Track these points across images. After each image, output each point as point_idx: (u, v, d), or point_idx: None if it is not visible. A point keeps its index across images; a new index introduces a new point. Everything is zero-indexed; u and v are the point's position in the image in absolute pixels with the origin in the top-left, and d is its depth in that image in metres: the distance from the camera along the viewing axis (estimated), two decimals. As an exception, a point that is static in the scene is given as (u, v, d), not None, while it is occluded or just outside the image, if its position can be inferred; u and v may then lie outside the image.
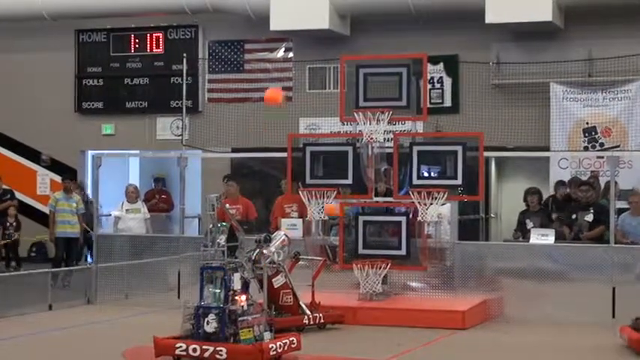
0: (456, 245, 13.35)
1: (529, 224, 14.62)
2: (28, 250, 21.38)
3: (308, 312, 11.42)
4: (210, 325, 9.18)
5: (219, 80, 21.38)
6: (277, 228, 15.05)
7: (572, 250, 13.29)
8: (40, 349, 10.34)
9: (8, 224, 19.39)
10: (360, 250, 13.02)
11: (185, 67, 19.97)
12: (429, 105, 17.86)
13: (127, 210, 17.18)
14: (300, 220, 14.00)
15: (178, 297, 13.97)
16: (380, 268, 12.62)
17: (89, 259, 17.17)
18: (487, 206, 20.70)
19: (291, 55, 21.04)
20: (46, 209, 19.02)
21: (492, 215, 20.95)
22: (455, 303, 12.49)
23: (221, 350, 9.03)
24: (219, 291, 9.31)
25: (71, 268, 16.33)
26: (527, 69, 19.58)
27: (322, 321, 11.52)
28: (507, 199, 20.55)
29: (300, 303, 11.44)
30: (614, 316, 12.29)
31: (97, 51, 22.05)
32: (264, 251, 11.17)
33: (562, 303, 12.56)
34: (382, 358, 9.89)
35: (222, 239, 9.59)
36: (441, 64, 20.00)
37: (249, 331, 9.22)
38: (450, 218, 13.72)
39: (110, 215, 17.77)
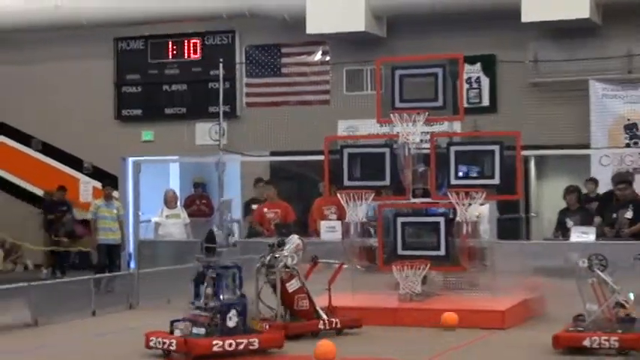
0: (495, 245, 13.30)
1: (569, 223, 14.55)
2: (71, 257, 21.61)
3: (324, 317, 11.21)
4: (232, 320, 9.66)
5: (257, 84, 21.49)
6: (316, 230, 15.15)
7: (614, 248, 13.17)
8: (84, 353, 10.46)
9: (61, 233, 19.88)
10: (399, 251, 13.02)
11: (222, 73, 20.06)
12: (466, 105, 17.84)
13: (166, 216, 17.33)
14: (339, 222, 14.03)
15: (219, 300, 14.05)
16: (419, 268, 12.61)
17: (131, 265, 17.32)
18: (527, 205, 20.61)
19: (328, 58, 21.10)
20: (88, 216, 19.22)
21: (533, 214, 20.84)
22: (495, 303, 12.44)
23: (254, 341, 9.72)
24: (235, 288, 9.89)
25: (114, 274, 16.49)
26: (565, 67, 19.48)
27: (339, 326, 11.28)
28: (548, 197, 20.43)
29: (317, 307, 11.27)
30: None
31: (135, 58, 22.25)
32: (277, 255, 11.20)
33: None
34: (426, 358, 9.90)
35: (234, 239, 9.81)
36: (479, 64, 19.96)
37: (256, 322, 10.31)
38: (489, 218, 13.70)
39: (150, 221, 17.90)
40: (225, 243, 9.98)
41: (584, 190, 16.50)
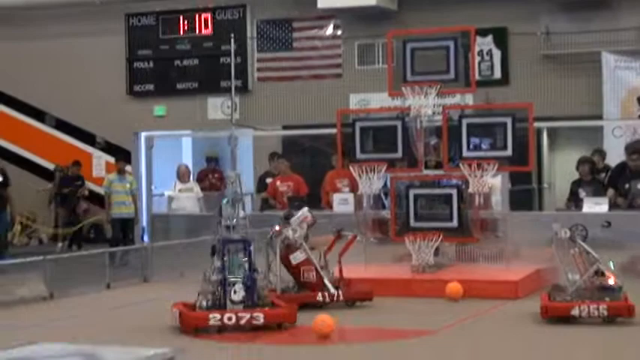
0: (507, 216, 13.34)
1: (581, 193, 14.57)
2: (86, 231, 21.77)
3: (331, 289, 11.18)
4: (238, 294, 9.53)
5: (268, 59, 21.50)
6: (328, 203, 15.21)
7: (626, 218, 13.22)
8: (99, 326, 10.54)
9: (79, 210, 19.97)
10: (412, 223, 13.06)
11: (233, 47, 20.05)
12: (478, 77, 17.84)
13: (179, 190, 17.41)
14: (352, 194, 14.09)
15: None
16: (431, 240, 12.67)
17: (145, 239, 17.43)
18: (540, 177, 20.64)
19: (339, 32, 21.08)
20: (102, 191, 19.34)
21: (545, 185, 20.87)
22: (508, 273, 12.50)
23: (258, 315, 9.46)
24: (243, 262, 9.72)
25: (128, 247, 16.59)
26: (577, 39, 19.45)
27: (341, 299, 11.18)
28: (560, 169, 20.45)
29: (325, 280, 11.24)
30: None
31: (146, 34, 22.28)
32: (276, 228, 11.27)
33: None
34: (436, 329, 9.94)
35: (242, 213, 9.79)
36: (490, 37, 19.93)
37: (267, 296, 9.88)
38: (501, 189, 13.73)
39: (163, 195, 17.99)
40: (232, 217, 9.93)
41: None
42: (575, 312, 9.84)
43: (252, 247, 9.83)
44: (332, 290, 11.14)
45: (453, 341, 9.43)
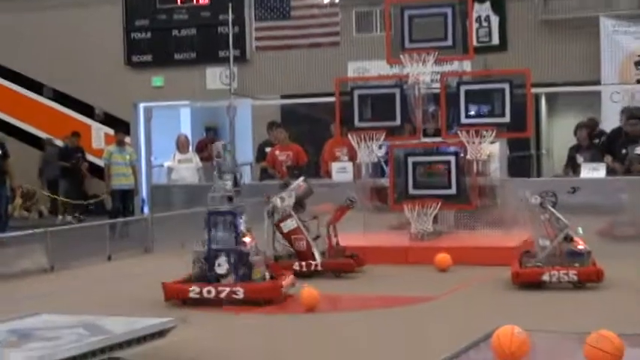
0: (505, 182, 13.38)
1: (579, 159, 14.60)
2: (86, 203, 21.84)
3: (318, 259, 11.27)
4: (222, 267, 9.39)
5: (266, 28, 21.46)
6: (328, 172, 15.25)
7: (624, 184, 13.26)
8: (100, 297, 10.60)
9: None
10: (411, 191, 13.09)
11: (231, 17, 20.03)
12: (476, 44, 17.79)
13: (179, 160, 17.41)
14: (350, 163, 14.11)
15: (233, 243, 14.19)
16: (430, 207, 12.72)
17: (145, 210, 17.49)
18: (538, 143, 20.67)
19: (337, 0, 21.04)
20: (101, 162, 19.37)
21: (544, 152, 20.91)
22: (506, 240, 12.54)
23: (238, 290, 9.28)
24: (228, 234, 9.52)
25: (128, 219, 16.64)
26: (575, 4, 19.43)
27: (318, 268, 11.24)
28: (559, 135, 20.50)
29: (313, 249, 11.32)
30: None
31: (144, 4, 22.25)
32: (267, 196, 11.39)
33: (629, 236, 12.61)
34: (434, 295, 10.00)
35: (228, 185, 9.73)
36: (488, 3, 19.92)
37: (258, 271, 9.51)
38: (500, 156, 13.76)
39: (162, 166, 18.01)
40: (221, 188, 9.83)
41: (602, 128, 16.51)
42: (545, 277, 9.94)
43: (240, 219, 9.59)
44: (316, 260, 11.24)
45: (448, 308, 9.49)
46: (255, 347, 7.82)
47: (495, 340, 5.85)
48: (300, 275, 11.01)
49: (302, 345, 7.94)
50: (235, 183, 9.80)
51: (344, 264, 11.32)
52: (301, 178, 11.77)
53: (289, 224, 11.38)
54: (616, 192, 13.24)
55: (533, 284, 9.99)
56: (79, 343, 6.61)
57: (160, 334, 7.16)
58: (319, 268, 11.24)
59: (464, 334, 6.35)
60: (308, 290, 9.17)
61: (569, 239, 10.18)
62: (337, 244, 11.60)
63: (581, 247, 10.17)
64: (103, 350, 6.56)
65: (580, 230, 10.28)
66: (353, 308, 9.92)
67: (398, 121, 13.07)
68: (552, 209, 10.22)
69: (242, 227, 9.56)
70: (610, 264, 10.20)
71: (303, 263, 11.23)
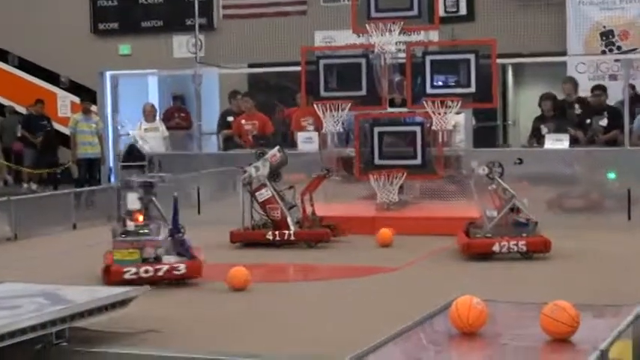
0: (471, 153, 13.43)
1: (543, 130, 14.68)
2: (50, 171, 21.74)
3: (292, 228, 11.35)
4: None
5: (234, -4, 21.35)
6: (293, 141, 15.25)
7: (587, 155, 13.37)
8: (64, 266, 10.59)
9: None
10: (376, 161, 13.13)
11: (198, -16, 19.91)
12: (443, 14, 17.84)
13: (145, 129, 17.35)
14: (316, 133, 14.11)
15: (199, 213, 14.21)
16: (396, 177, 12.77)
17: (112, 179, 17.44)
18: (505, 113, 20.76)
19: (305, -33, 20.94)
20: (67, 131, 19.26)
21: (510, 122, 21.00)
22: (470, 210, 12.59)
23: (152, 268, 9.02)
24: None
25: (93, 187, 16.58)
26: (542, -25, 19.43)
27: (291, 238, 11.32)
28: (525, 105, 20.58)
29: (287, 219, 11.40)
30: (629, 218, 12.43)
31: (110, -30, 22.04)
32: (242, 166, 11.44)
33: (577, 208, 12.73)
34: (395, 267, 10.07)
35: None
36: (456, -27, 19.89)
37: (132, 252, 9.08)
38: (465, 126, 13.82)
39: (129, 135, 17.94)
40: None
41: (561, 96, 16.50)
42: (495, 248, 10.06)
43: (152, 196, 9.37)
44: (290, 230, 11.27)
45: (409, 279, 9.57)
46: (213, 317, 7.84)
47: (454, 311, 5.89)
48: (274, 244, 11.09)
49: (259, 315, 7.98)
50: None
51: (317, 234, 11.38)
52: (276, 148, 11.80)
53: (264, 194, 11.46)
54: (573, 163, 13.37)
55: (483, 255, 10.10)
56: (39, 312, 6.61)
57: (122, 303, 7.16)
58: (292, 238, 11.30)
59: (423, 304, 6.39)
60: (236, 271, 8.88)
61: (515, 210, 10.27)
62: (313, 213, 11.67)
63: (527, 217, 10.28)
64: (63, 320, 6.56)
65: (525, 201, 10.37)
66: (314, 278, 10.01)
67: (364, 91, 13.08)
68: (499, 180, 10.33)
69: (132, 204, 9.31)
70: (556, 235, 10.32)
71: (277, 233, 11.29)
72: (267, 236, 11.32)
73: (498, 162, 10.50)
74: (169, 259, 9.09)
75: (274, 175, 11.61)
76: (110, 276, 8.95)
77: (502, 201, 10.33)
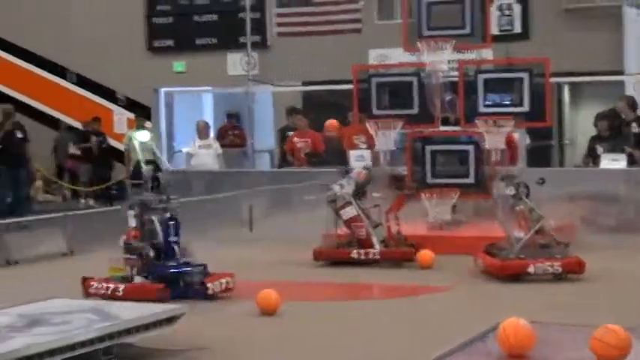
0: (524, 172, 13.29)
1: (599, 150, 14.50)
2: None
3: (377, 247, 11.37)
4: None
5: (288, 14, 21.37)
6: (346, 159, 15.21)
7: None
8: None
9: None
10: (429, 180, 13.04)
11: (250, 2, 19.96)
12: (498, 32, 17.77)
13: (199, 146, 17.45)
14: (369, 151, 14.06)
15: (250, 230, 14.24)
16: (448, 197, 12.68)
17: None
18: (561, 133, 20.57)
19: (359, -15, 20.95)
20: (122, 147, 19.44)
21: (567, 141, 20.79)
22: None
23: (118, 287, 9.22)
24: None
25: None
26: (598, -8, 19.27)
27: (376, 257, 11.35)
28: (583, 125, 20.35)
29: (372, 237, 11.43)
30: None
31: (165, -11, 22.26)
32: (327, 183, 11.44)
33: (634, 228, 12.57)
34: (446, 285, 10.01)
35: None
36: (510, -10, 19.79)
37: (122, 268, 9.32)
38: (519, 145, 13.70)
39: (181, 152, 18.08)
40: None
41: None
42: (531, 269, 9.98)
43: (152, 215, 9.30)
44: (375, 248, 11.28)
45: (460, 298, 9.50)
46: (260, 336, 7.83)
47: (501, 333, 5.83)
48: (359, 263, 11.11)
49: (310, 334, 7.95)
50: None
51: (402, 253, 11.36)
52: (362, 165, 11.81)
53: (349, 212, 11.51)
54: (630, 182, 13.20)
55: (516, 276, 9.98)
56: (88, 329, 6.65)
57: (169, 320, 7.18)
58: (377, 257, 11.32)
59: (468, 326, 6.34)
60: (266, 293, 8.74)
61: (542, 231, 10.18)
62: (399, 232, 11.65)
63: (557, 239, 10.25)
64: (111, 336, 6.60)
65: (552, 223, 10.31)
66: (366, 297, 9.96)
67: (416, 110, 13.00)
68: (527, 200, 10.20)
69: (130, 222, 9.35)
70: (588, 256, 10.24)
71: (362, 251, 11.31)
72: (352, 255, 11.36)
73: (524, 182, 10.42)
74: (137, 280, 9.17)
75: (359, 193, 11.63)
76: (83, 288, 9.31)
77: (528, 222, 10.20)
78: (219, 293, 9.20)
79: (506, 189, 10.30)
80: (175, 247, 9.26)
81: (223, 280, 9.24)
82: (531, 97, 12.67)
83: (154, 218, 9.28)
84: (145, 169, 9.35)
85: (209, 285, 9.09)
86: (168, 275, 9.18)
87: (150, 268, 9.21)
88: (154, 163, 9.36)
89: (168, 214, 9.36)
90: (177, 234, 9.30)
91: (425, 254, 11.26)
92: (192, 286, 9.16)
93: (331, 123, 16.56)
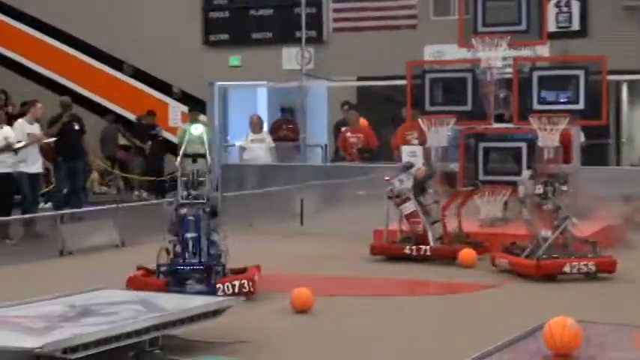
0: (579, 170, 13.18)
1: (656, 148, 14.33)
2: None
3: (431, 243, 11.39)
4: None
5: (344, 9, 21.36)
6: (399, 155, 15.18)
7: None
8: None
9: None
10: (481, 177, 12.97)
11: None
12: (555, 29, 17.59)
13: (251, 140, 17.50)
14: (420, 147, 14.00)
15: (301, 224, 14.27)
16: (500, 194, 12.59)
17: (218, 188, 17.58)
18: (618, 131, 20.31)
19: (415, -19, 20.86)
20: (177, 140, 19.53)
21: (624, 140, 20.52)
22: (577, 229, 12.33)
23: None
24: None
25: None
26: (659, -11, 18.98)
27: (427, 253, 11.33)
28: (641, 123, 20.13)
29: (428, 234, 11.44)
30: None
31: (231, -18, 22.34)
32: (387, 178, 11.49)
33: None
34: (494, 283, 9.95)
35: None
36: (569, -13, 19.56)
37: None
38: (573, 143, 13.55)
39: (234, 145, 18.13)
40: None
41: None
42: (566, 269, 9.99)
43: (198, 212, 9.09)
44: (429, 245, 11.31)
45: (505, 296, 9.44)
46: (306, 329, 7.84)
47: (547, 331, 5.77)
48: (411, 259, 11.16)
49: (354, 329, 7.93)
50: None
51: (452, 251, 11.30)
52: (421, 161, 11.80)
53: (407, 207, 11.58)
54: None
55: (552, 276, 9.96)
56: (135, 320, 6.70)
57: (215, 313, 7.21)
58: (428, 253, 11.32)
59: (517, 323, 6.28)
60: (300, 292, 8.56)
61: (566, 231, 10.20)
62: (460, 229, 11.62)
63: (585, 238, 10.34)
64: (157, 327, 6.63)
65: (575, 221, 10.31)
66: (413, 293, 9.93)
67: (469, 106, 12.93)
68: (555, 199, 10.05)
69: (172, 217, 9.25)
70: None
71: (414, 247, 11.36)
72: (405, 251, 11.42)
73: (551, 181, 10.28)
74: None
75: (420, 188, 11.62)
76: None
77: (555, 221, 10.18)
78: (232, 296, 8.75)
79: (536, 187, 10.24)
80: (190, 244, 9.02)
81: (236, 282, 8.85)
82: (587, 95, 12.54)
83: (182, 213, 9.11)
84: (184, 163, 9.28)
85: (219, 286, 8.77)
86: (174, 272, 9.01)
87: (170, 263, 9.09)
88: (203, 156, 9.27)
89: (197, 210, 9.11)
90: (196, 230, 9.04)
91: (467, 253, 11.17)
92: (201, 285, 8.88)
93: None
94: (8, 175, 14.81)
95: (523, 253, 10.33)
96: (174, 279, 8.90)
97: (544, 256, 10.13)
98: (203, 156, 9.23)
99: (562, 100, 12.63)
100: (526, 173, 10.79)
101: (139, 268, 9.34)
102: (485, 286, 9.84)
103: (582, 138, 14.88)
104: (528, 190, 10.38)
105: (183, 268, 8.98)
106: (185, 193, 9.19)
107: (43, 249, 12.96)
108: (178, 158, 9.27)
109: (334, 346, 7.20)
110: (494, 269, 10.70)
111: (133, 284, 9.00)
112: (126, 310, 7.08)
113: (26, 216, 14.77)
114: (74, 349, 5.98)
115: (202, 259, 8.95)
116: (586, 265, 10.03)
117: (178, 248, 9.06)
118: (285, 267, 10.89)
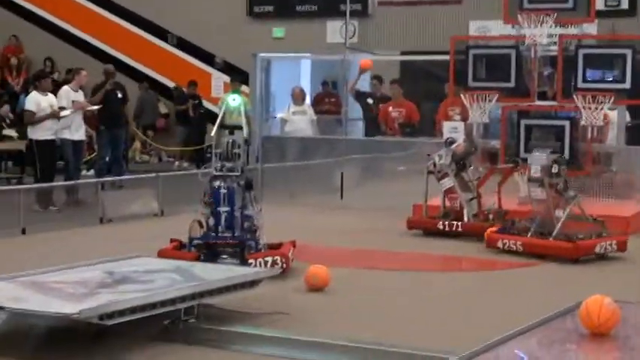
0: (623, 150, 13.05)
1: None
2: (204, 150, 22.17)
3: (465, 219, 11.38)
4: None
5: (389, -17, 21.25)
6: (440, 131, 15.12)
7: None
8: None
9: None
10: (522, 154, 12.84)
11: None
12: (604, 7, 17.35)
13: (293, 112, 17.49)
14: (462, 123, 13.92)
15: (341, 198, 14.26)
16: (541, 172, 12.48)
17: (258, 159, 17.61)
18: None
19: (462, -44, 20.67)
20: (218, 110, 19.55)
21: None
22: (619, 208, 12.24)
23: None
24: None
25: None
26: None
27: (459, 229, 11.31)
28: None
29: (464, 210, 11.43)
30: None
31: (269, -46, 22.25)
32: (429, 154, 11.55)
33: None
34: (534, 262, 9.89)
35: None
36: (619, -35, 19.29)
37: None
38: (618, 123, 13.39)
39: (275, 117, 18.13)
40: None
41: None
42: (598, 249, 10.05)
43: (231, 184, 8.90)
44: (462, 221, 11.32)
45: (543, 274, 9.39)
46: (340, 303, 7.84)
47: (584, 310, 5.73)
48: (443, 234, 11.21)
49: (395, 300, 7.93)
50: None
51: (482, 227, 11.19)
52: (462, 137, 11.78)
53: (446, 183, 11.66)
54: None
55: (585, 256, 9.97)
56: (170, 288, 6.74)
57: (252, 284, 7.23)
58: (460, 229, 11.34)
59: (554, 301, 6.25)
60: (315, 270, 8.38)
61: (575, 210, 10.22)
62: (499, 207, 11.63)
63: (594, 217, 10.37)
64: (192, 296, 6.66)
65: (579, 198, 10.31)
66: (445, 269, 9.92)
67: (512, 83, 12.80)
68: (564, 176, 10.24)
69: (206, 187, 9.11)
70: None
71: (447, 223, 11.40)
72: (439, 226, 11.46)
73: (560, 159, 10.42)
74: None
75: (460, 164, 11.59)
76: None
77: (563, 200, 10.21)
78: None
79: (552, 166, 10.19)
80: (222, 217, 8.88)
81: (269, 259, 8.64)
82: (633, 75, 12.36)
83: (216, 185, 8.96)
84: (221, 134, 9.19)
85: (251, 261, 8.56)
86: (206, 245, 8.91)
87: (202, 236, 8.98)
88: (240, 128, 9.19)
89: (231, 183, 8.92)
90: (230, 204, 8.87)
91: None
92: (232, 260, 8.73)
93: (365, 62, 16.32)
94: (52, 141, 14.93)
95: (526, 233, 10.29)
96: (205, 253, 8.83)
97: (580, 237, 10.08)
98: (240, 127, 9.09)
99: (608, 79, 12.47)
100: (538, 154, 10.64)
101: (172, 241, 9.27)
102: (518, 264, 9.78)
103: (628, 118, 14.69)
104: (544, 170, 10.29)
105: (215, 242, 8.88)
106: (219, 164, 9.02)
107: (84, 216, 13.07)
108: (214, 129, 9.14)
109: (368, 321, 7.19)
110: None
111: (163, 257, 8.88)
112: (162, 279, 7.13)
113: (68, 183, 14.91)
114: (110, 315, 6.03)
115: (236, 233, 8.84)
116: (611, 244, 10.13)
117: (211, 221, 8.95)
118: (324, 240, 10.88)
